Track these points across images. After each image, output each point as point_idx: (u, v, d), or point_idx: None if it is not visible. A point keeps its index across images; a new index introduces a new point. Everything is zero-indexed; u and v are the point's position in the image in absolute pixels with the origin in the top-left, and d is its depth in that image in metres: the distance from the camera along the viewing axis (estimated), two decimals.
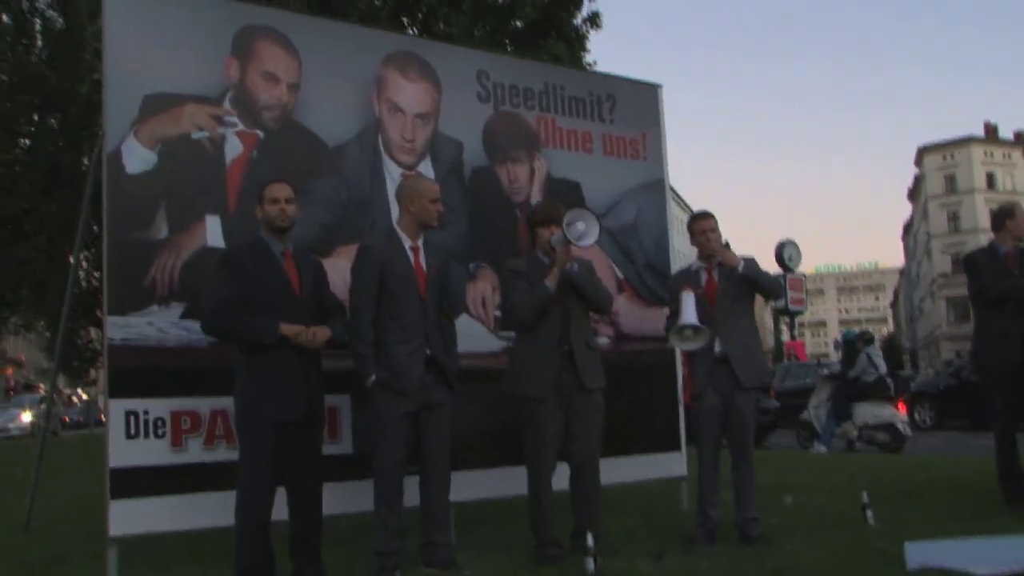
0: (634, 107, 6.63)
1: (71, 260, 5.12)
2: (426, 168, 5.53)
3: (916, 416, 16.68)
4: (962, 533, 4.67)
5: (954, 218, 65.69)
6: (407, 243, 4.58)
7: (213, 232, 4.72)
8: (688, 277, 5.13)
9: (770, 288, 5.07)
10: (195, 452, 4.47)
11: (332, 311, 4.37)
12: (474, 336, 5.42)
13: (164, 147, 4.66)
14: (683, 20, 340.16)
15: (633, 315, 6.32)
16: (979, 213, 60.90)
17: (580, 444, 4.74)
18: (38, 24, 17.06)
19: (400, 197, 4.65)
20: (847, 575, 4.05)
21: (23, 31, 16.59)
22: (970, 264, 5.85)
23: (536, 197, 5.90)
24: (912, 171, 74.30)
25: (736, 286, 5.04)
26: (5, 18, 16.66)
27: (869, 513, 5.47)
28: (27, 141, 16.56)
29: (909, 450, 11.70)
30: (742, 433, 4.98)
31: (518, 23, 12.87)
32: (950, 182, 66.56)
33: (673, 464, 6.37)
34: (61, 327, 5.61)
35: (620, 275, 6.22)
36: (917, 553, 4.15)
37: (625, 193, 6.44)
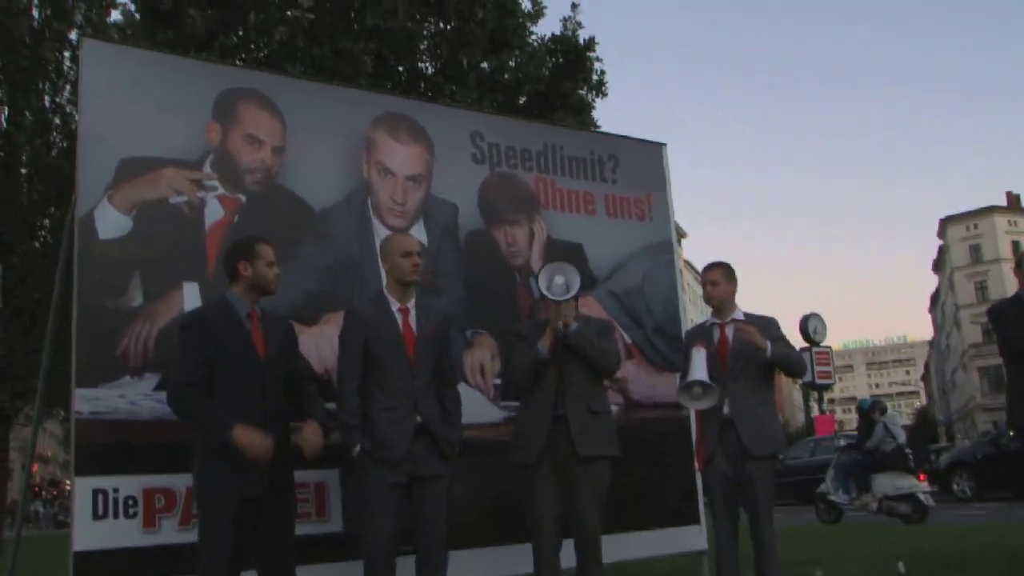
0: (638, 166, 6.43)
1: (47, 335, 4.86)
2: (418, 231, 5.31)
3: (955, 487, 16.10)
4: None
5: (982, 288, 64.77)
6: (395, 305, 4.34)
7: (191, 299, 4.48)
8: (701, 333, 4.87)
9: (795, 369, 4.80)
10: (169, 533, 4.14)
11: (301, 380, 4.08)
12: (473, 405, 5.09)
13: (140, 212, 4.46)
14: (692, 91, 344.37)
15: (643, 381, 6.00)
16: (1006, 281, 60.02)
17: (579, 518, 4.39)
18: (57, 120, 17.31)
19: (380, 258, 4.45)
20: None
21: (44, 126, 16.82)
22: (995, 316, 5.49)
23: (536, 260, 5.66)
24: (936, 242, 73.77)
25: (749, 346, 4.74)
26: (28, 115, 16.94)
27: None
28: (44, 233, 16.64)
29: (949, 521, 11.16)
30: (756, 502, 4.62)
31: (523, 99, 12.84)
32: (975, 252, 65.89)
33: (692, 538, 5.96)
34: (36, 407, 5.36)
35: (628, 339, 5.92)
36: None
37: (631, 255, 6.19)
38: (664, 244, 6.39)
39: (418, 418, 4.21)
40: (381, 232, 5.12)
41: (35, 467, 49.32)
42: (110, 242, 4.35)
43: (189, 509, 4.18)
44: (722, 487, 4.68)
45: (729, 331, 4.79)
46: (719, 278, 4.79)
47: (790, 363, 4.76)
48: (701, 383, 4.50)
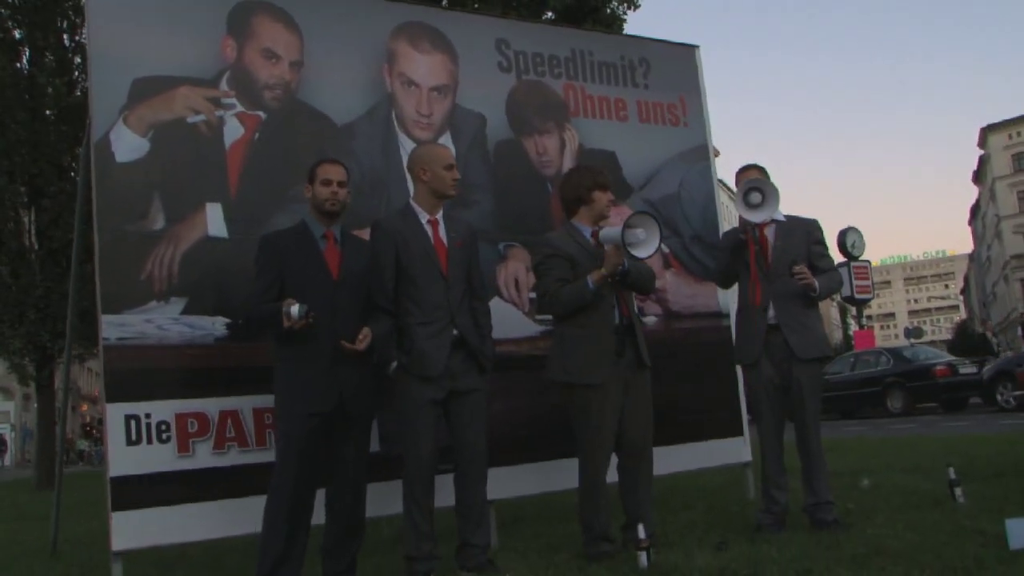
0: (670, 70, 6.16)
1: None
2: (445, 143, 5.11)
3: (999, 398, 15.86)
4: None
5: None
6: (424, 217, 4.19)
7: (214, 220, 4.37)
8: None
9: (837, 290, 4.74)
10: (204, 457, 4.08)
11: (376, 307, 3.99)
12: (507, 321, 4.98)
13: (157, 133, 4.32)
14: (726, 3, 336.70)
15: (682, 291, 5.83)
16: None
17: (636, 430, 4.29)
18: (77, 59, 17.18)
19: (412, 168, 4.27)
20: (942, 559, 3.49)
21: (64, 65, 16.70)
22: None
23: (567, 169, 5.45)
24: (976, 153, 72.02)
25: (795, 248, 4.55)
26: (48, 55, 16.81)
27: (958, 491, 4.92)
28: (73, 174, 16.64)
29: (996, 428, 10.99)
30: (804, 408, 4.47)
31: (551, 14, 12.44)
32: (1017, 161, 64.24)
33: (736, 450, 5.85)
34: (67, 340, 5.32)
35: (666, 249, 5.72)
36: (1021, 530, 3.61)
37: (666, 162, 5.96)
38: (700, 149, 6.15)
39: (455, 331, 4.09)
40: (407, 145, 4.94)
41: (84, 407, 50.42)
42: (128, 165, 4.23)
43: (224, 433, 4.14)
44: (767, 393, 4.54)
45: (770, 232, 4.60)
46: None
47: (832, 291, 4.66)
48: (755, 188, 4.39)
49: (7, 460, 45.10)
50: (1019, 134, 64.14)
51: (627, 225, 4.03)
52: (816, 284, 4.41)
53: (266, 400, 3.98)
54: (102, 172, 4.15)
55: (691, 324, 5.81)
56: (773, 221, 4.60)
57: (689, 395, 5.62)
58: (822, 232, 4.69)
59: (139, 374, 4.03)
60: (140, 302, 4.12)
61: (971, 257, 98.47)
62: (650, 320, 5.51)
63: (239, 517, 4.01)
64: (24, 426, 45.74)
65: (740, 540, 4.23)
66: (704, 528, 4.77)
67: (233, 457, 4.14)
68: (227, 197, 4.42)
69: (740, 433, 5.87)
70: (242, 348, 4.24)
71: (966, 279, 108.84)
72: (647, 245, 4.07)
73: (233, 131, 4.54)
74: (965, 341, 71.02)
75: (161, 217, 4.25)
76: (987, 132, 66.73)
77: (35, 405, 19.66)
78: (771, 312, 4.49)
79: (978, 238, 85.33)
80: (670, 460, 5.14)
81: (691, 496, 6.06)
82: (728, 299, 5.80)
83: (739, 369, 5.57)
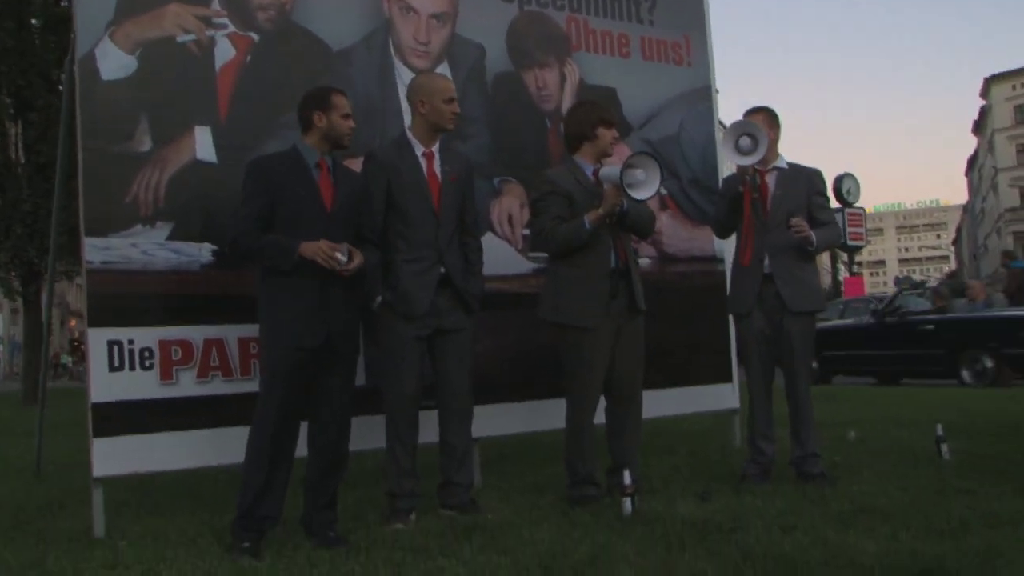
0: (676, 7, 6.00)
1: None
2: (443, 73, 4.97)
3: None
4: None
5: (1023, 151, 62.96)
6: (419, 149, 4.09)
7: (203, 144, 4.24)
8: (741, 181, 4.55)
9: (836, 245, 4.64)
10: (187, 386, 4.02)
11: (366, 239, 3.84)
12: (500, 257, 4.90)
13: (145, 51, 4.16)
14: None
15: (678, 234, 5.75)
16: None
17: (627, 374, 4.25)
18: None
19: (411, 98, 4.16)
20: (928, 519, 3.48)
21: None
22: None
23: (567, 105, 5.31)
24: (977, 103, 71.35)
25: (796, 198, 4.47)
26: None
27: (944, 447, 4.93)
28: (61, 87, 16.30)
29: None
30: (792, 359, 4.44)
31: None
32: (1019, 113, 63.66)
33: (724, 396, 5.83)
34: (51, 256, 5.21)
35: (663, 191, 5.61)
36: None
37: (667, 101, 5.83)
38: (702, 91, 6.02)
39: (442, 269, 4.02)
40: (404, 74, 4.80)
41: (72, 322, 50.33)
42: (114, 83, 4.07)
43: (208, 361, 4.07)
44: (757, 344, 4.50)
45: (771, 179, 4.51)
46: (761, 123, 4.45)
47: (831, 244, 4.65)
48: (748, 133, 4.29)
49: None
50: (1023, 85, 63.47)
51: (627, 165, 3.93)
52: (813, 237, 4.33)
53: (252, 329, 3.87)
54: (87, 89, 4.00)
55: (685, 268, 5.75)
56: (775, 168, 4.51)
57: (680, 339, 5.58)
58: (825, 183, 4.61)
59: (123, 299, 3.94)
60: (125, 225, 4.01)
61: (965, 208, 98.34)
62: (644, 262, 5.44)
63: (221, 447, 3.96)
64: (13, 339, 45.73)
65: (724, 490, 4.23)
66: (688, 475, 4.78)
67: (217, 386, 4.08)
68: (217, 121, 4.28)
69: (729, 379, 5.85)
70: (228, 275, 4.14)
71: (958, 230, 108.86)
72: (646, 187, 3.97)
73: (224, 52, 4.38)
74: (955, 292, 71.39)
75: (148, 139, 4.11)
76: (990, 82, 65.96)
77: (23, 319, 19.58)
78: (766, 262, 4.42)
79: (973, 189, 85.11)
80: (658, 404, 5.11)
81: (675, 440, 6.06)
82: (724, 244, 5.73)
83: (731, 316, 5.53)
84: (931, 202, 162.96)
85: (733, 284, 4.66)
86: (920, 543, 3.10)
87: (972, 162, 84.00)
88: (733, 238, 4.72)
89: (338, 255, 3.49)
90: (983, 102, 69.50)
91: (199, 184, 4.18)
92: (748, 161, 4.31)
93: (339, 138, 3.75)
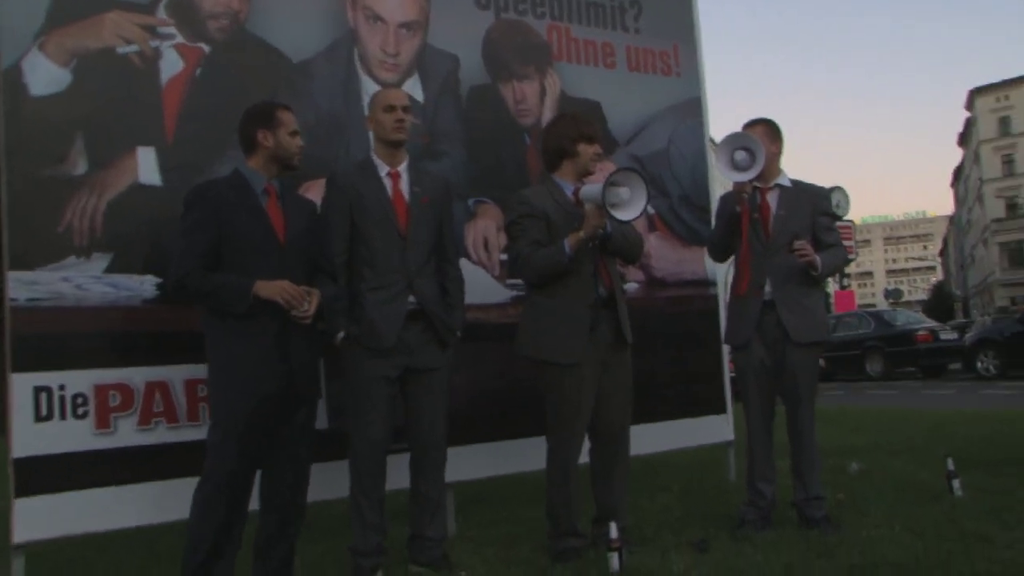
0: (664, 14, 5.66)
1: None
2: (413, 87, 4.62)
3: (979, 365, 15.69)
4: None
5: (1008, 161, 62.85)
6: (383, 170, 3.74)
7: (146, 166, 3.85)
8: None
9: (839, 268, 4.38)
10: (127, 434, 3.60)
11: (319, 271, 3.46)
12: (476, 284, 4.50)
13: (81, 64, 3.77)
14: None
15: (667, 257, 5.39)
16: None
17: (613, 413, 3.86)
18: None
19: (368, 116, 3.81)
20: (948, 571, 3.12)
21: None
22: None
23: (547, 119, 4.94)
24: (962, 115, 71.50)
25: (800, 218, 4.10)
26: None
27: (955, 483, 4.58)
28: None
29: (978, 398, 10.75)
30: (797, 394, 4.06)
31: None
32: (1004, 124, 63.74)
33: (718, 428, 5.46)
34: None
35: (651, 210, 5.26)
36: None
37: (655, 115, 5.48)
38: (692, 103, 5.67)
39: (411, 299, 3.64)
40: (370, 87, 4.43)
41: None
42: (44, 99, 3.68)
43: (150, 407, 3.66)
44: (757, 376, 4.12)
45: (772, 197, 4.15)
46: (760, 136, 4.08)
47: (837, 268, 4.28)
48: (744, 147, 3.91)
49: None
50: (1007, 97, 63.57)
51: (610, 183, 3.54)
52: (818, 261, 3.97)
53: (200, 370, 3.49)
54: (13, 106, 3.59)
55: (676, 292, 5.38)
56: (777, 185, 4.16)
57: (670, 370, 5.23)
58: (830, 203, 4.26)
59: (52, 340, 3.52)
60: (56, 258, 3.60)
61: (951, 219, 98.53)
62: (631, 287, 5.08)
63: (165, 504, 3.55)
64: None
65: (722, 536, 3.86)
66: (681, 516, 4.42)
67: (161, 434, 3.67)
68: (162, 141, 3.90)
69: (723, 410, 5.48)
70: (173, 311, 3.74)
71: (945, 241, 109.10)
72: (631, 206, 3.60)
73: (171, 65, 3.99)
74: (941, 302, 71.36)
75: (83, 161, 3.72)
76: (975, 94, 66.13)
77: None
78: (767, 288, 4.06)
79: (959, 201, 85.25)
80: (647, 440, 4.75)
81: (666, 475, 5.69)
82: (716, 267, 5.38)
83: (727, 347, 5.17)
84: (917, 213, 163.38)
85: (730, 315, 4.28)
86: None
87: (958, 173, 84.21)
88: (727, 262, 4.36)
89: (304, 304, 3.16)
90: (968, 114, 69.73)
91: (142, 210, 3.79)
92: (744, 177, 3.93)
93: (288, 158, 3.36)
